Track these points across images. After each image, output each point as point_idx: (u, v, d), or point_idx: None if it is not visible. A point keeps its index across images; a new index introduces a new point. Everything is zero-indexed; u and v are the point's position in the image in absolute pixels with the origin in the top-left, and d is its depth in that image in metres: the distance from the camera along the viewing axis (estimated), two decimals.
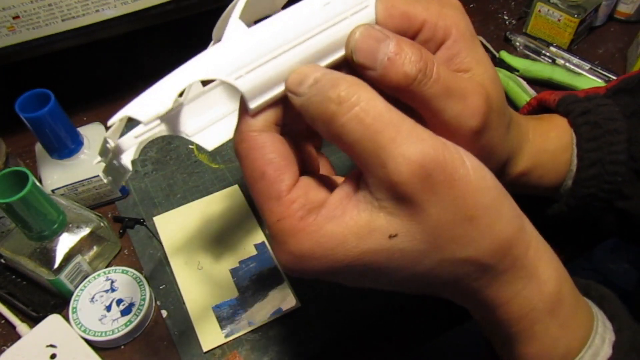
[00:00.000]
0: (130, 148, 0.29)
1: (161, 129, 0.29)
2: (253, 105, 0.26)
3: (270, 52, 0.26)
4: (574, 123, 0.42)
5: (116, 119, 0.26)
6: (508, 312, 0.28)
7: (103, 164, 0.31)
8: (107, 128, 0.28)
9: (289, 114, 0.28)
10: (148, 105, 0.25)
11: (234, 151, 0.28)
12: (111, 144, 0.29)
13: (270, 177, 0.26)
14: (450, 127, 0.29)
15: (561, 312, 0.29)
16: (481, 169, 0.26)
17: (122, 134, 0.29)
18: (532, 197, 0.45)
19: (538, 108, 0.47)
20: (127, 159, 0.29)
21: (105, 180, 0.31)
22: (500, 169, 0.38)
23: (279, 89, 0.27)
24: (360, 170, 0.26)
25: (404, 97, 0.28)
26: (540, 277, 0.28)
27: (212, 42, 0.31)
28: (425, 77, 0.28)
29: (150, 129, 0.27)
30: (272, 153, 0.27)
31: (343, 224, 0.25)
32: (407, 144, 0.24)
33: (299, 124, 0.30)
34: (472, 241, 0.26)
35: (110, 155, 0.29)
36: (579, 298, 0.31)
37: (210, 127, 0.33)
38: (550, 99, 0.45)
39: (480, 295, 0.28)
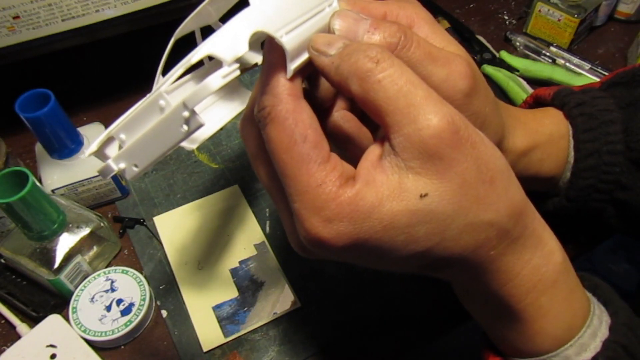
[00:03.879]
0: (214, 89, 0.25)
1: (237, 74, 0.26)
2: (293, 66, 0.27)
3: (294, 20, 0.27)
4: (569, 115, 0.43)
5: (198, 57, 0.25)
6: (517, 286, 0.29)
7: (104, 162, 0.28)
8: (106, 128, 0.27)
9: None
10: (227, 46, 0.24)
11: (259, 117, 0.27)
12: (166, 98, 0.26)
13: (313, 141, 0.26)
14: (440, 91, 0.30)
15: (564, 285, 0.30)
16: (489, 139, 0.28)
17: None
18: (531, 193, 0.46)
19: (534, 105, 0.47)
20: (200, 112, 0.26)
21: (115, 168, 0.27)
22: (499, 147, 0.38)
23: (306, 55, 0.28)
24: (382, 139, 0.27)
25: None
26: (545, 246, 0.29)
27: (168, 47, 0.30)
28: (407, 42, 0.29)
29: (234, 71, 0.25)
30: (311, 119, 0.27)
31: (376, 189, 0.26)
32: (436, 103, 0.25)
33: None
34: (492, 203, 0.26)
35: (173, 109, 0.25)
36: (576, 277, 0.31)
37: None
38: (546, 93, 0.46)
39: (494, 267, 0.28)
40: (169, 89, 0.26)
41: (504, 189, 0.27)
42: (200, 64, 0.28)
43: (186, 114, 0.25)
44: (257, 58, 0.29)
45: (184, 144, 0.31)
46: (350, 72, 0.26)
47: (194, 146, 0.33)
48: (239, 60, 0.25)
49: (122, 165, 0.28)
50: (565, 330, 0.30)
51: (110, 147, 0.29)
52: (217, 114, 0.35)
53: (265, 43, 0.28)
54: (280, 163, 0.27)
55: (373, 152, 0.27)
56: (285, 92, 0.27)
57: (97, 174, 0.51)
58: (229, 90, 0.37)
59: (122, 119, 0.28)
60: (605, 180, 0.42)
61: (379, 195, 0.26)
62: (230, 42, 0.24)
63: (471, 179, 0.26)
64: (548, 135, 0.42)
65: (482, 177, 0.26)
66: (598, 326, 0.30)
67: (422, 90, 0.26)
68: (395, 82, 0.25)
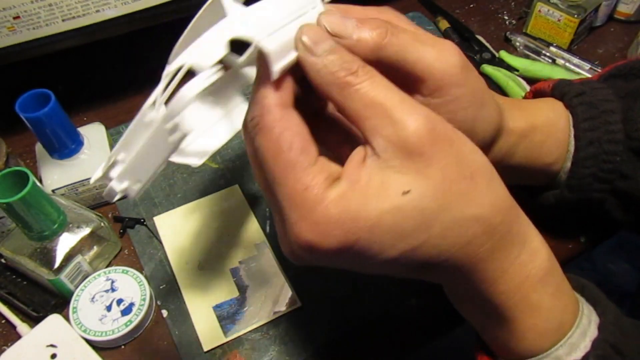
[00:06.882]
0: (192, 96, 0.26)
1: (219, 76, 0.27)
2: (277, 66, 0.27)
3: (277, 23, 0.27)
4: (569, 104, 0.43)
5: (174, 67, 0.25)
6: (507, 282, 0.29)
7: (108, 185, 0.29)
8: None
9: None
10: (204, 53, 0.25)
11: (250, 127, 0.28)
12: (149, 115, 0.26)
13: (299, 147, 0.27)
14: (436, 69, 0.31)
15: (552, 281, 0.30)
16: (490, 116, 0.29)
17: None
18: (533, 187, 0.45)
19: None
20: (188, 114, 0.27)
21: (117, 189, 0.28)
22: (499, 127, 0.39)
23: (293, 54, 0.28)
24: (364, 142, 0.28)
25: (383, 56, 0.30)
26: (531, 243, 0.30)
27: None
28: (394, 28, 0.30)
29: (213, 74, 0.26)
30: (298, 126, 0.28)
31: (361, 189, 0.26)
32: (413, 106, 0.27)
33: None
34: (475, 198, 0.27)
35: (160, 119, 0.26)
36: (563, 275, 0.32)
37: (194, 142, 0.33)
38: (545, 85, 0.46)
39: (484, 265, 0.28)
40: (161, 100, 0.27)
41: (486, 185, 0.28)
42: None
43: (169, 125, 0.26)
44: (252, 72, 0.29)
45: (189, 160, 0.32)
46: (329, 81, 0.27)
47: (200, 162, 0.33)
48: (221, 63, 0.26)
49: (125, 185, 0.29)
50: (557, 326, 0.30)
51: (115, 169, 0.30)
52: (223, 129, 0.36)
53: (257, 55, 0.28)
54: (268, 170, 0.28)
55: (358, 154, 0.28)
56: (272, 102, 0.27)
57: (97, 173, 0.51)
58: (233, 105, 0.37)
59: (121, 139, 0.29)
60: (606, 170, 0.42)
61: (364, 196, 0.26)
62: (206, 50, 0.25)
63: (452, 175, 0.26)
64: (545, 118, 0.43)
65: (463, 172, 0.27)
66: (587, 325, 0.30)
67: (398, 95, 0.27)
68: (373, 88, 0.27)
